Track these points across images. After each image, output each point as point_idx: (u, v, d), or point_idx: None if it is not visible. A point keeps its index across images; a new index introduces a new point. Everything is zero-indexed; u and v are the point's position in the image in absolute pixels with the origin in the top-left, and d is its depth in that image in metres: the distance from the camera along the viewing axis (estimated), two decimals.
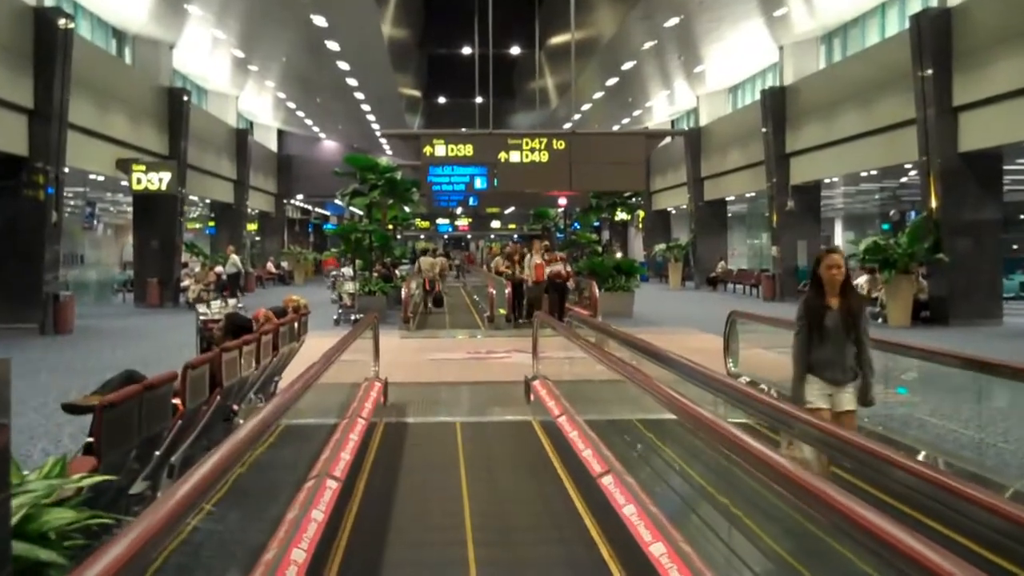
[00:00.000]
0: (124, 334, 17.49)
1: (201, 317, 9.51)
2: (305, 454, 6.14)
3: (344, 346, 6.85)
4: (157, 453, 4.60)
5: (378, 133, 34.41)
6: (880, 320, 18.87)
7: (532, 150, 13.64)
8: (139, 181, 23.37)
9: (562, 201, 23.07)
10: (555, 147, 13.72)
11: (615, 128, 40.47)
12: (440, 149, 13.73)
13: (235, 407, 6.43)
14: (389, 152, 45.23)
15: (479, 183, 13.91)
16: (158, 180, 23.48)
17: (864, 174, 26.23)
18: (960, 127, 18.33)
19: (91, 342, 16.02)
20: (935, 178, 18.54)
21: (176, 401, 4.98)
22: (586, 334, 10.90)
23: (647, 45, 28.13)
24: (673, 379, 7.06)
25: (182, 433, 4.89)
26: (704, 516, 4.91)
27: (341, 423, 6.70)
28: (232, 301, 11.44)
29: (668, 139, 36.02)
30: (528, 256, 18.80)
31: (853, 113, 22.98)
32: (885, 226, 38.75)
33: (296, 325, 8.42)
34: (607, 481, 4.99)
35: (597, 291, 19.27)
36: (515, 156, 13.69)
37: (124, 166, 23.22)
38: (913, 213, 35.27)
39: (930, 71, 18.42)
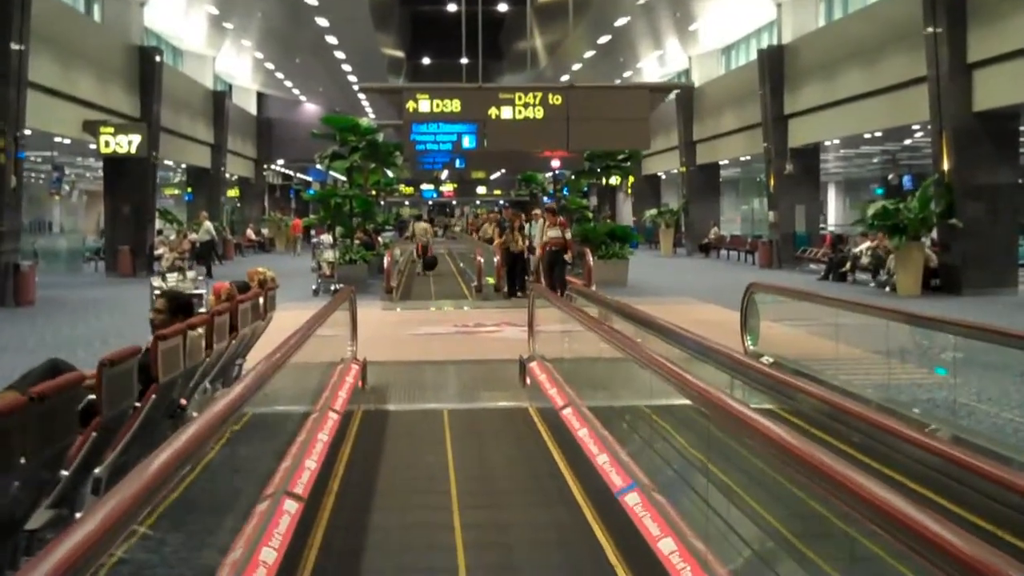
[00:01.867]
0: (89, 306, 16.42)
1: (156, 292, 8.49)
2: (264, 455, 5.17)
3: (312, 328, 5.87)
4: (65, 473, 3.61)
5: (356, 87, 32.96)
6: (888, 289, 18.09)
7: (526, 105, 12.46)
8: (107, 144, 22.22)
9: (555, 163, 21.91)
10: (551, 102, 12.54)
11: None
12: (424, 104, 12.53)
13: (183, 401, 5.44)
14: (372, 116, 43.84)
15: (467, 142, 12.74)
16: (127, 143, 22.33)
17: (867, 136, 25.25)
18: (975, 85, 17.33)
19: (52, 315, 14.96)
20: (948, 139, 17.57)
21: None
22: (584, 306, 9.92)
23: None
24: (686, 357, 6.20)
25: (101, 445, 3.90)
26: (766, 553, 3.93)
27: (309, 418, 5.73)
28: (191, 274, 10.39)
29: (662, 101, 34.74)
30: (539, 223, 17.12)
31: (856, 72, 21.93)
32: (878, 191, 37.78)
33: (261, 301, 7.41)
34: (631, 500, 4.04)
35: (591, 259, 18.24)
36: (507, 112, 12.53)
37: (91, 128, 22.05)
38: (909, 177, 34.33)
39: (942, 27, 17.39)
